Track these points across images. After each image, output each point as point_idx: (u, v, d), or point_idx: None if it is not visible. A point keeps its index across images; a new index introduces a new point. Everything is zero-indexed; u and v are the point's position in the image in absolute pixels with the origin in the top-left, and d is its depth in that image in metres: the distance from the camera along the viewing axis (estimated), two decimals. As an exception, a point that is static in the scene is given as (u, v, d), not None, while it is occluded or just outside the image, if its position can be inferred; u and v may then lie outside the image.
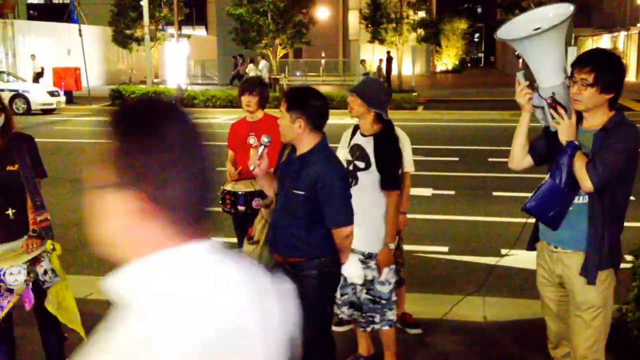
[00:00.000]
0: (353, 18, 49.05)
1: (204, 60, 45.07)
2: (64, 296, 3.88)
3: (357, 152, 3.99)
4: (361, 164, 3.95)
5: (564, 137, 3.05)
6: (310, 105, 3.34)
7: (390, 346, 4.16)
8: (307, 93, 3.44)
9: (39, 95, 22.46)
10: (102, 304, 5.32)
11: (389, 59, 31.27)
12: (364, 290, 4.01)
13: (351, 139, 4.13)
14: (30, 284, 3.67)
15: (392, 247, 3.96)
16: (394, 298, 4.08)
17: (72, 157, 13.58)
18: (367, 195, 3.92)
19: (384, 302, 4.01)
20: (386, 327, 4.08)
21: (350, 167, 4.00)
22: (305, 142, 3.36)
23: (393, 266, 4.03)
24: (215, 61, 42.66)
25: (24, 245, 3.74)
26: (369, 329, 4.10)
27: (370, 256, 3.98)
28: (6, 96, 21.31)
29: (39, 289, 3.76)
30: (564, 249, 3.22)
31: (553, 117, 3.06)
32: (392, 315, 4.08)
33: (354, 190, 3.94)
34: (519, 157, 3.35)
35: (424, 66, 52.87)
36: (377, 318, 4.03)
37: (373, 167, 3.92)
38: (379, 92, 4.05)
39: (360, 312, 4.08)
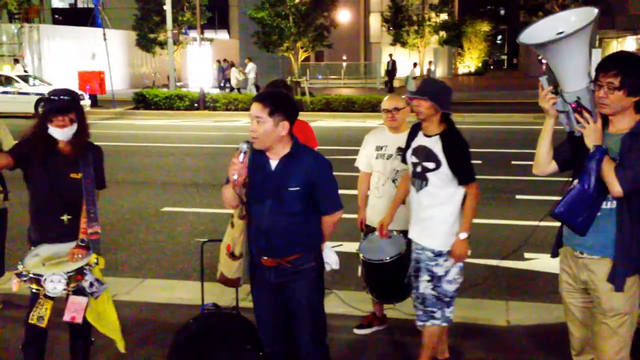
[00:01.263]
0: (374, 21, 49.02)
1: (226, 63, 45.31)
2: (105, 307, 3.91)
3: (424, 153, 3.96)
4: (431, 165, 3.92)
5: (590, 141, 3.02)
6: (292, 108, 3.38)
7: (431, 346, 4.11)
8: (284, 95, 3.48)
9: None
10: (128, 305, 5.41)
11: (393, 62, 31.07)
12: (430, 287, 4.00)
13: (411, 140, 4.09)
14: (71, 294, 3.68)
15: (463, 237, 3.93)
16: (455, 295, 4.07)
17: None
18: (437, 195, 3.93)
19: (447, 299, 4.02)
20: (444, 324, 4.06)
21: (418, 169, 3.98)
22: (284, 144, 3.36)
23: (461, 264, 4.02)
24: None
25: (70, 253, 3.74)
26: (428, 324, 4.05)
27: (440, 254, 3.97)
28: (32, 100, 21.64)
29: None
30: (590, 255, 3.17)
31: (578, 122, 3.03)
32: (450, 313, 4.07)
33: (423, 192, 3.96)
34: (544, 162, 3.32)
35: (446, 68, 52.67)
36: (438, 314, 4.02)
37: (444, 166, 3.88)
38: (445, 92, 4.01)
39: (423, 306, 4.05)
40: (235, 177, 3.30)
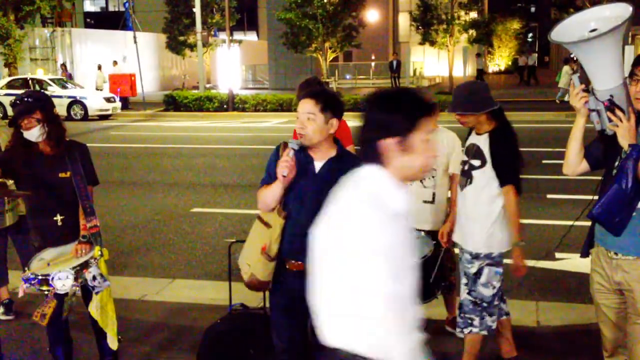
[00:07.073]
0: (403, 20, 48.80)
1: (255, 64, 45.51)
2: (106, 302, 3.97)
3: (472, 151, 3.95)
4: (477, 162, 3.91)
5: (624, 140, 2.94)
6: (341, 107, 3.30)
7: (472, 354, 4.03)
8: (334, 93, 3.44)
9: (95, 101, 23.08)
10: (157, 305, 5.43)
11: (398, 62, 30.75)
12: (466, 291, 3.96)
13: (465, 141, 4.10)
14: (78, 289, 3.75)
15: (522, 244, 3.89)
16: (495, 303, 3.98)
17: (127, 161, 13.90)
18: (481, 194, 3.90)
19: (484, 305, 3.94)
20: (483, 333, 3.98)
21: (466, 167, 3.98)
22: (329, 145, 3.27)
23: (500, 269, 3.95)
24: (266, 66, 43.04)
25: (74, 250, 3.84)
26: (466, 331, 3.99)
27: (477, 256, 3.92)
28: (64, 102, 22.01)
29: (88, 294, 3.86)
30: (625, 255, 3.11)
31: (610, 120, 2.97)
32: (491, 322, 3.98)
33: (468, 190, 3.95)
34: (575, 162, 3.26)
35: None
36: (476, 322, 3.96)
37: (488, 164, 3.86)
38: (476, 94, 3.95)
39: (460, 313, 4.02)
40: (286, 173, 3.19)
